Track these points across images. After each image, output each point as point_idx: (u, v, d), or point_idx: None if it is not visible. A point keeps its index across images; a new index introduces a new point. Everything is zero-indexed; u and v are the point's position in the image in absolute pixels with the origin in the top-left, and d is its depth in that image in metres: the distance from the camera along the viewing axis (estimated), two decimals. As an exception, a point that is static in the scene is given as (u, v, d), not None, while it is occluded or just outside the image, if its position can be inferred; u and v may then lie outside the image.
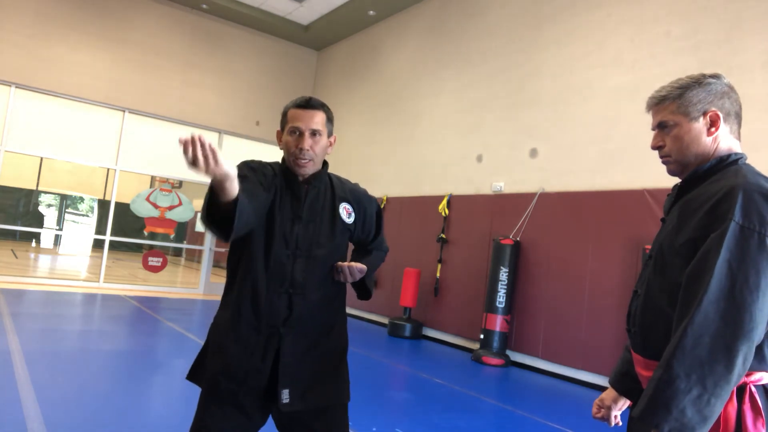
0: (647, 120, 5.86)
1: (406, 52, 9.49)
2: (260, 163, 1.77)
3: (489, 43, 7.81)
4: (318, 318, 1.71)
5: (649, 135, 5.53)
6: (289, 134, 1.73)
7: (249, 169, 1.67)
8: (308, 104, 1.73)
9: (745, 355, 1.14)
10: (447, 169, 8.16)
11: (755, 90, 4.93)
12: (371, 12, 9.90)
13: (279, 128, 1.81)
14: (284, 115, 1.77)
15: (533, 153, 6.90)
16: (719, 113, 1.36)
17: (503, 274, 6.54)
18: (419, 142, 8.80)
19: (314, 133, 1.72)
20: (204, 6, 10.40)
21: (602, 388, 5.60)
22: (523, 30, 7.33)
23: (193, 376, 1.77)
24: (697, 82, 1.38)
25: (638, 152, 5.71)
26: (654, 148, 1.45)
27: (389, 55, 9.89)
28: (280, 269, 1.66)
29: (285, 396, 1.63)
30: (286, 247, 1.68)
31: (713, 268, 1.16)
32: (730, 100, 1.38)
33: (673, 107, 1.39)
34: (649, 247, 5.23)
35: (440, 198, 8.09)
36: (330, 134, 1.79)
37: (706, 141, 1.37)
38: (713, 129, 1.36)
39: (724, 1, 5.32)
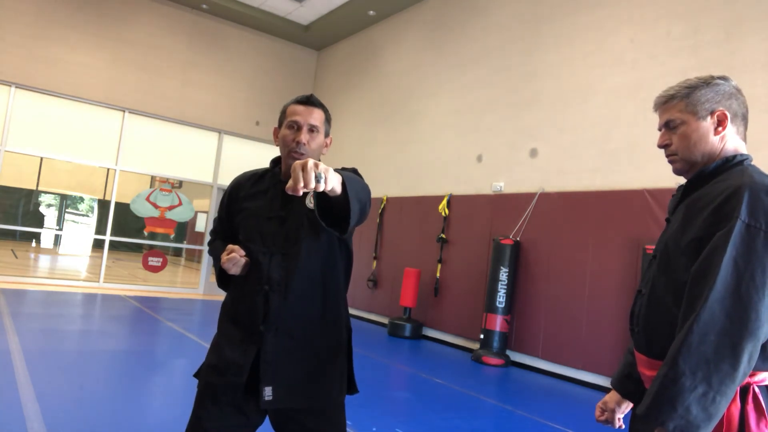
0: (647, 120, 5.86)
1: (406, 52, 9.48)
2: (233, 186, 1.87)
3: (489, 43, 7.81)
4: (303, 316, 1.69)
5: (649, 135, 5.54)
6: (287, 128, 1.75)
7: (219, 221, 1.91)
8: (308, 101, 1.76)
9: (750, 353, 1.14)
10: (447, 169, 8.16)
11: (755, 90, 4.94)
12: (371, 12, 9.90)
13: (276, 126, 1.82)
14: (283, 112, 1.79)
15: (533, 153, 6.90)
16: (727, 113, 1.37)
17: (503, 274, 6.54)
18: (419, 142, 8.80)
19: (312, 129, 1.73)
20: (204, 6, 10.39)
21: (602, 388, 5.60)
22: (523, 30, 7.33)
23: (197, 372, 1.82)
24: (706, 82, 1.39)
25: (638, 152, 5.71)
26: (660, 146, 1.45)
27: (389, 55, 9.89)
28: (258, 267, 1.69)
29: (267, 393, 1.63)
30: (263, 245, 1.70)
31: (719, 266, 1.17)
32: (738, 101, 1.39)
33: (681, 106, 1.40)
34: (649, 247, 5.24)
35: (440, 198, 8.09)
36: (327, 134, 1.81)
37: (713, 140, 1.37)
38: (720, 128, 1.37)
39: (724, 1, 5.32)
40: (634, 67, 5.92)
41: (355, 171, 1.71)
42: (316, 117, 1.74)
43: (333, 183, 1.27)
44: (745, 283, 1.16)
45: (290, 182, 1.20)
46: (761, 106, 4.86)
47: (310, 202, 1.69)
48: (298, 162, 1.22)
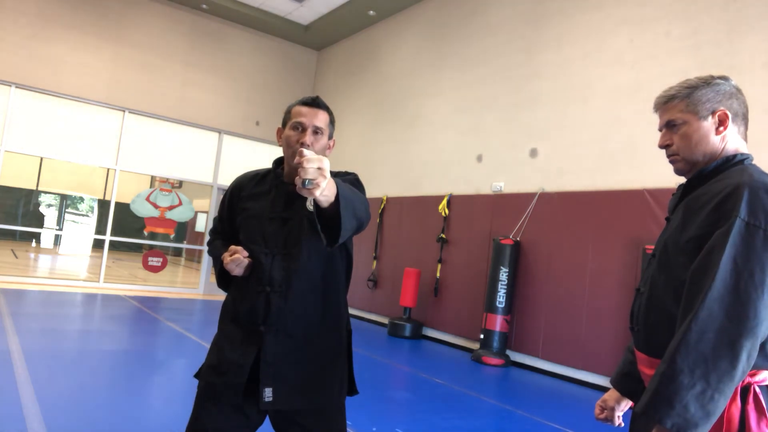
0: (647, 120, 5.84)
1: (406, 52, 9.49)
2: (234, 186, 1.86)
3: (489, 43, 7.81)
4: (303, 317, 1.69)
5: (649, 135, 5.54)
6: (292, 129, 1.74)
7: (219, 221, 1.91)
8: (314, 102, 1.76)
9: (749, 351, 1.14)
10: (447, 169, 8.16)
11: (755, 90, 4.93)
12: (371, 12, 9.90)
13: (280, 126, 1.82)
14: (288, 112, 1.79)
15: (533, 153, 6.90)
16: (728, 113, 1.37)
17: (503, 274, 6.54)
18: (419, 142, 8.80)
19: (317, 130, 1.73)
20: (204, 6, 10.39)
21: (602, 388, 5.60)
22: (524, 30, 7.33)
23: (198, 373, 1.82)
24: (706, 82, 1.39)
25: (638, 152, 5.71)
26: (661, 146, 1.45)
27: (389, 55, 9.89)
28: (259, 268, 1.68)
29: (267, 394, 1.62)
30: (265, 246, 1.70)
31: (718, 264, 1.17)
32: (738, 101, 1.39)
33: (682, 106, 1.40)
34: (649, 246, 5.24)
35: (440, 198, 8.09)
36: (330, 136, 1.80)
37: (715, 140, 1.37)
38: (722, 128, 1.37)
39: (724, 1, 5.32)
40: (634, 67, 5.92)
41: (356, 178, 1.71)
42: (321, 119, 1.73)
43: (322, 196, 1.26)
44: (744, 281, 1.16)
45: (297, 158, 1.24)
46: (761, 106, 4.86)
47: (310, 204, 1.68)
48: (309, 154, 1.22)
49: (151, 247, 10.83)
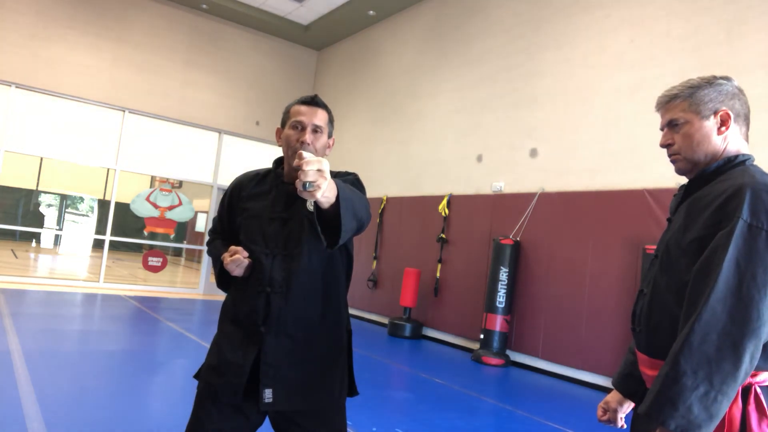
0: (647, 120, 5.84)
1: (406, 52, 9.48)
2: (234, 185, 1.85)
3: (489, 43, 7.81)
4: (304, 317, 1.69)
5: (649, 135, 5.54)
6: (291, 128, 1.73)
7: (219, 221, 1.90)
8: (313, 101, 1.76)
9: (752, 352, 1.14)
10: (447, 169, 8.16)
11: (755, 90, 4.93)
12: (371, 12, 9.90)
13: (279, 126, 1.81)
14: (286, 112, 1.78)
15: (533, 153, 6.90)
16: (730, 113, 1.36)
17: (503, 274, 6.54)
18: (419, 142, 8.80)
19: (316, 129, 1.72)
20: (204, 6, 10.39)
21: (602, 388, 5.60)
22: (524, 30, 7.33)
23: (197, 373, 1.81)
24: (708, 82, 1.39)
25: (638, 152, 5.71)
26: (663, 146, 1.45)
27: (389, 55, 9.88)
28: (259, 268, 1.68)
29: (268, 395, 1.62)
30: (265, 246, 1.69)
31: (721, 266, 1.17)
32: (740, 101, 1.39)
33: (685, 105, 1.40)
34: (649, 247, 5.24)
35: (440, 198, 8.09)
36: (330, 135, 1.80)
37: (716, 140, 1.37)
38: (724, 128, 1.37)
39: (724, 1, 5.32)
40: (634, 68, 5.92)
41: (356, 178, 1.70)
42: (321, 117, 1.73)
43: (323, 198, 1.25)
44: (746, 282, 1.16)
45: (296, 161, 1.23)
46: (761, 106, 4.85)
47: (310, 205, 1.67)
48: (309, 156, 1.22)
49: (151, 247, 10.82)
